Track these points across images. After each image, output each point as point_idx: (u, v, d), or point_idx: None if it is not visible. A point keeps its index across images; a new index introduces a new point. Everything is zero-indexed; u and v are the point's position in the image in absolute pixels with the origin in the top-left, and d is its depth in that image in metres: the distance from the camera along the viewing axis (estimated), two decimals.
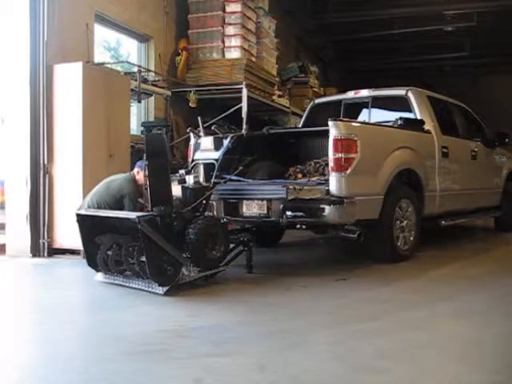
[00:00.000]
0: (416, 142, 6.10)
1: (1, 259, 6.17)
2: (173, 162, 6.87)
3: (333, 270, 5.40)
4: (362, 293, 4.53)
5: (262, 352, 3.08)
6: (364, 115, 6.87)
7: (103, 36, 8.35)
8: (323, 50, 16.33)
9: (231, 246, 5.06)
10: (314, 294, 4.56)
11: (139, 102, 7.92)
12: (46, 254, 6.28)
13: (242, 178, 5.73)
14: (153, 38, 8.83)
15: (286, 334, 3.42)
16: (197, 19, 9.01)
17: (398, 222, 5.71)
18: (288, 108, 11.02)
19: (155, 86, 8.40)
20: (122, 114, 6.86)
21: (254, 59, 9.35)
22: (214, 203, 5.60)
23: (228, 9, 8.94)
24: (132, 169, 6.97)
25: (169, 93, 8.70)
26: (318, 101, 7.75)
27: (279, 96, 10.61)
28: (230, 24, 8.90)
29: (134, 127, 8.35)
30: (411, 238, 5.90)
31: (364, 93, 7.01)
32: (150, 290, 4.42)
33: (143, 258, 4.35)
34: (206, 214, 5.20)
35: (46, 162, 6.34)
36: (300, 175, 5.94)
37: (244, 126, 7.93)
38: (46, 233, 6.32)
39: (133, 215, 4.45)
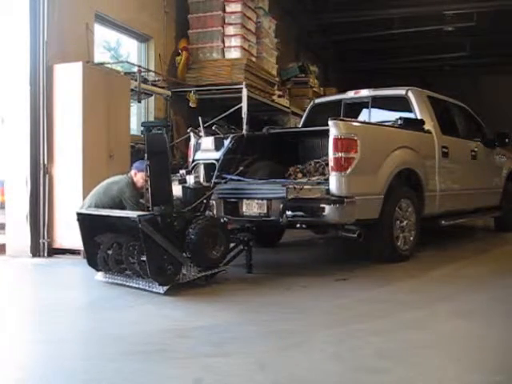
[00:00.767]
0: (416, 142, 6.10)
1: (1, 259, 6.17)
2: (173, 162, 6.87)
3: (333, 270, 5.40)
4: (362, 293, 4.53)
5: (262, 352, 3.08)
6: (364, 115, 6.87)
7: (103, 36, 8.35)
8: (323, 49, 16.33)
9: (231, 245, 5.07)
10: (314, 293, 4.56)
11: (139, 101, 7.92)
12: (45, 254, 6.28)
13: (242, 178, 5.73)
14: (153, 38, 8.83)
15: (285, 334, 3.42)
16: (197, 19, 9.01)
17: (398, 221, 5.70)
18: (288, 108, 11.02)
19: (155, 85, 8.40)
20: (122, 114, 6.86)
21: (254, 59, 9.35)
22: (214, 203, 5.60)
23: (228, 9, 8.94)
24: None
25: (169, 93, 8.70)
26: (318, 101, 7.75)
27: (279, 96, 10.61)
28: (230, 24, 8.91)
29: (134, 127, 8.35)
30: (411, 238, 5.89)
31: (364, 93, 7.01)
32: (150, 289, 4.42)
33: (143, 258, 4.35)
34: (207, 213, 5.21)
35: (45, 162, 6.34)
36: (300, 175, 5.94)
37: (244, 126, 7.94)
38: (46, 233, 6.32)
39: (133, 214, 4.45)
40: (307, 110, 7.57)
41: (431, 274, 5.34)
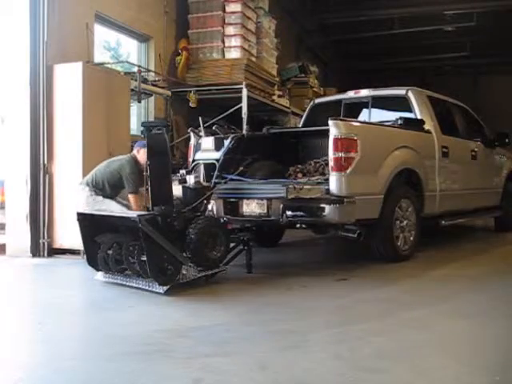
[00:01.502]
0: (416, 142, 6.10)
1: (1, 259, 6.17)
2: (173, 161, 6.87)
3: (333, 270, 5.40)
4: (362, 293, 4.53)
5: (262, 352, 3.08)
6: (364, 115, 6.87)
7: (103, 36, 8.34)
8: (323, 49, 16.32)
9: (231, 245, 5.07)
10: (315, 293, 4.56)
11: (139, 101, 7.92)
12: (45, 254, 6.28)
13: (242, 178, 5.73)
14: (153, 37, 8.83)
15: (286, 334, 3.42)
16: (197, 19, 9.01)
17: (398, 221, 5.70)
18: (288, 108, 11.02)
19: (155, 86, 8.40)
20: (122, 114, 6.86)
21: (254, 59, 9.35)
22: (214, 202, 5.60)
23: (228, 9, 8.94)
24: None
25: (169, 93, 8.70)
26: (318, 101, 7.75)
27: (279, 96, 10.61)
28: (230, 24, 8.90)
29: (134, 127, 8.35)
30: (411, 238, 5.89)
31: (364, 93, 7.01)
32: (150, 289, 4.42)
33: (144, 258, 4.35)
34: (207, 213, 5.21)
35: (45, 162, 6.34)
36: (300, 175, 5.94)
37: (244, 126, 7.95)
38: (45, 233, 6.32)
39: (133, 214, 4.45)
40: (307, 110, 7.57)
41: (431, 274, 5.34)
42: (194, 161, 6.14)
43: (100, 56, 7.97)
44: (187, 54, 8.96)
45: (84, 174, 6.16)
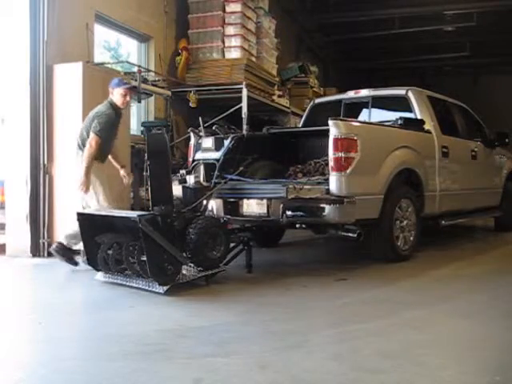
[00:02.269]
0: (416, 142, 6.10)
1: (1, 259, 6.17)
2: (173, 161, 6.87)
3: (333, 270, 5.40)
4: (362, 293, 4.53)
5: (262, 352, 3.08)
6: (364, 115, 6.88)
7: (103, 36, 8.34)
8: (323, 49, 16.33)
9: (231, 245, 5.07)
10: (315, 293, 4.56)
11: (139, 102, 7.91)
12: (45, 254, 6.27)
13: (242, 178, 5.73)
14: (153, 37, 8.83)
15: (286, 334, 3.43)
16: (197, 19, 9.01)
17: (398, 221, 5.71)
18: (288, 108, 11.02)
19: (155, 86, 8.40)
20: (122, 114, 6.84)
21: (254, 59, 9.35)
22: (214, 202, 5.60)
23: (228, 9, 8.94)
24: (132, 170, 6.98)
25: (169, 93, 8.69)
26: (318, 101, 7.75)
27: (279, 96, 10.61)
28: (230, 24, 8.90)
29: (134, 127, 8.35)
30: (411, 238, 5.90)
31: (364, 93, 7.02)
32: (150, 289, 4.42)
33: (144, 258, 4.35)
34: (206, 213, 5.21)
35: (45, 162, 6.34)
36: (300, 175, 5.94)
37: (244, 126, 7.95)
38: (45, 233, 6.32)
39: (133, 214, 4.45)
40: (307, 110, 7.57)
41: (431, 274, 5.34)
42: (194, 161, 6.15)
43: (100, 56, 7.97)
44: (187, 54, 8.96)
45: None
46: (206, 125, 6.59)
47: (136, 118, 8.65)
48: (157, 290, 4.36)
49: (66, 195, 6.25)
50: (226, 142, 6.02)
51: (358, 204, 5.12)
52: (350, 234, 5.31)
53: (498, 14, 13.55)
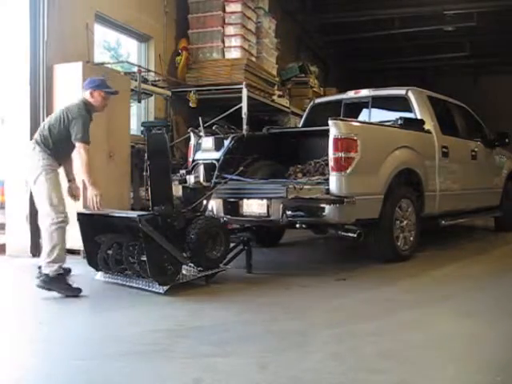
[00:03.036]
0: (416, 142, 6.10)
1: (1, 259, 6.17)
2: (173, 161, 6.87)
3: (333, 270, 5.40)
4: (362, 293, 4.53)
5: (262, 352, 3.08)
6: (364, 115, 6.88)
7: (103, 36, 8.34)
8: (323, 49, 16.32)
9: (231, 245, 5.07)
10: (314, 293, 4.57)
11: (139, 101, 7.92)
12: None
13: (242, 178, 5.73)
14: (153, 37, 8.82)
15: (286, 334, 3.43)
16: (197, 19, 9.00)
17: (398, 221, 5.71)
18: (288, 108, 11.01)
19: (155, 86, 8.40)
20: (122, 114, 6.85)
21: (254, 59, 9.35)
22: (214, 202, 5.60)
23: (228, 9, 8.93)
24: (132, 170, 6.99)
25: (169, 93, 8.69)
26: (318, 100, 7.75)
27: (279, 96, 10.60)
28: (230, 24, 8.89)
29: (134, 127, 8.35)
30: (411, 238, 5.90)
31: (364, 93, 7.02)
32: (150, 289, 4.43)
33: (144, 258, 4.35)
34: (206, 213, 5.21)
35: None
36: (300, 175, 5.94)
37: (244, 127, 7.94)
38: None
39: (133, 214, 4.45)
40: (307, 110, 7.58)
41: (431, 274, 5.34)
42: (193, 161, 6.15)
43: (100, 56, 7.97)
44: (187, 54, 8.96)
45: None
46: (206, 125, 6.59)
47: (136, 117, 8.65)
48: (157, 290, 4.36)
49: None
50: (226, 142, 6.02)
51: (358, 204, 5.12)
52: (350, 234, 5.31)
53: (497, 14, 13.54)
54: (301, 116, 8.78)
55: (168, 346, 3.20)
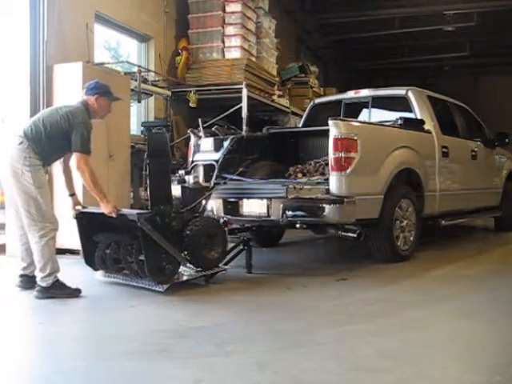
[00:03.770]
0: (416, 142, 6.10)
1: (1, 259, 6.17)
2: (173, 162, 6.87)
3: (333, 270, 5.40)
4: (362, 293, 4.53)
5: (261, 352, 3.08)
6: (364, 115, 6.88)
7: (103, 36, 8.34)
8: (323, 49, 16.33)
9: (231, 245, 5.06)
10: (314, 293, 4.56)
11: (139, 102, 7.92)
12: None
13: (242, 178, 5.73)
14: (153, 37, 8.83)
15: (286, 334, 3.42)
16: (197, 19, 9.01)
17: (398, 221, 5.70)
18: (288, 108, 11.01)
19: (155, 86, 8.40)
20: (122, 114, 6.85)
21: (254, 59, 9.35)
22: (214, 202, 5.60)
23: (228, 9, 8.94)
24: (132, 170, 6.98)
25: (169, 93, 8.70)
26: (318, 100, 7.75)
27: (279, 96, 10.61)
28: (230, 24, 8.90)
29: (134, 127, 8.35)
30: (411, 238, 5.89)
31: (364, 93, 7.02)
32: (150, 287, 4.42)
33: (142, 257, 4.35)
34: (206, 213, 5.21)
35: None
36: (300, 175, 5.94)
37: (244, 127, 7.94)
38: None
39: (133, 213, 4.45)
40: (307, 110, 7.57)
41: (431, 274, 5.34)
42: (193, 161, 6.14)
43: (100, 56, 7.97)
44: (187, 54, 8.96)
45: None
46: (205, 125, 6.59)
47: (136, 117, 8.65)
48: (157, 289, 4.36)
49: (66, 195, 6.23)
50: (226, 143, 6.02)
51: (358, 204, 5.12)
52: (350, 234, 5.31)
53: (498, 14, 13.55)
54: (301, 116, 8.78)
55: (168, 346, 3.20)
